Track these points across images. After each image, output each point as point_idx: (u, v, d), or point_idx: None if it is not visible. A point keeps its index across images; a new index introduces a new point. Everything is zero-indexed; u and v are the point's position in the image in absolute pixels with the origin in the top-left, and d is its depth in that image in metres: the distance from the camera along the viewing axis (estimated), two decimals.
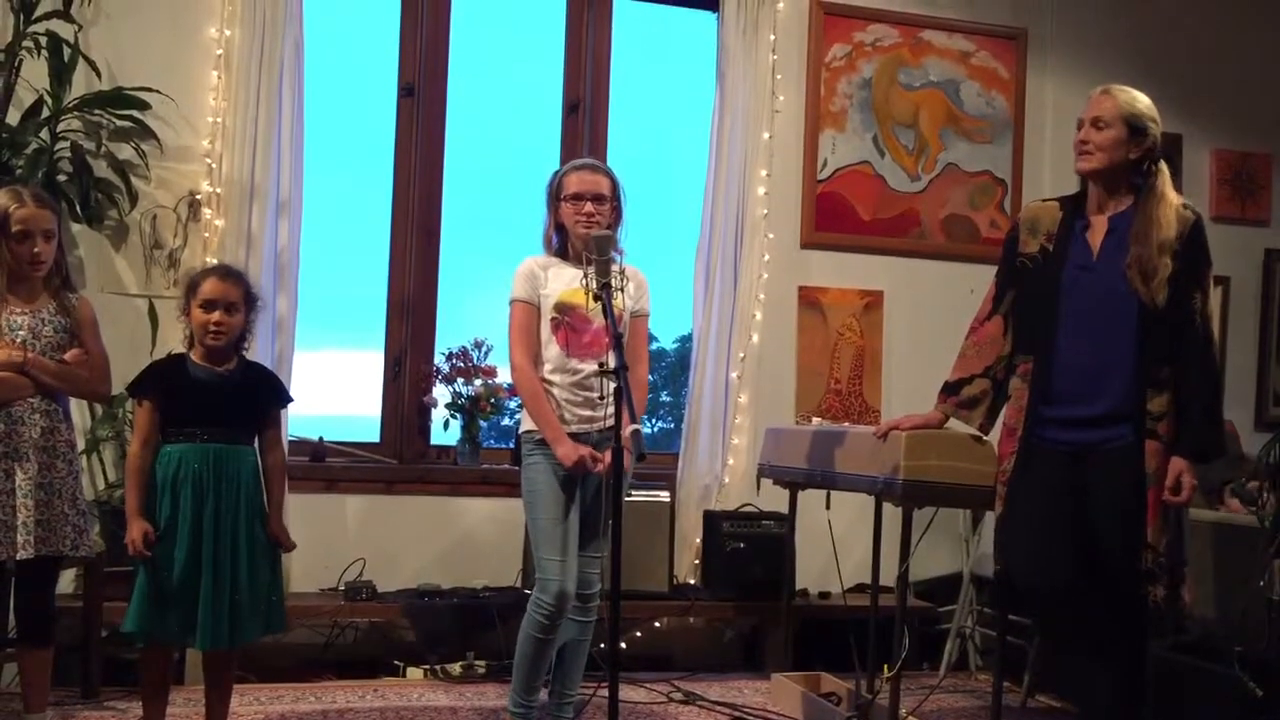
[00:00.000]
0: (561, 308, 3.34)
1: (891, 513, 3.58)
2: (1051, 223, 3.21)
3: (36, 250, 3.15)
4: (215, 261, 4.11)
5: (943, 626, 4.68)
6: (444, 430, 4.77)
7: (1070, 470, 3.08)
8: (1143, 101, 3.12)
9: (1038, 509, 3.11)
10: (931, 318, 4.99)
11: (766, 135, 4.91)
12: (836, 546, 4.02)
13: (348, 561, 4.45)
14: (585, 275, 3.18)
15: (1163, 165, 3.11)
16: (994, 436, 3.34)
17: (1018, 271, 3.27)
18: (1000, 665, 3.59)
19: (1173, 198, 3.07)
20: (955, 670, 4.61)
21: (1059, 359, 3.11)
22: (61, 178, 4.11)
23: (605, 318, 3.08)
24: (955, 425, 3.40)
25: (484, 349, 4.75)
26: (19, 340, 3.10)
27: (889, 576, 3.66)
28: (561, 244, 3.42)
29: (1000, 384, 3.30)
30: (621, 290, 3.26)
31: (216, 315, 3.14)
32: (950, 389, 3.36)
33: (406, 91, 4.84)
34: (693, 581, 4.70)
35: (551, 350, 3.35)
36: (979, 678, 4.58)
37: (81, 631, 3.78)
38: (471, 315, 4.91)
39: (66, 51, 4.11)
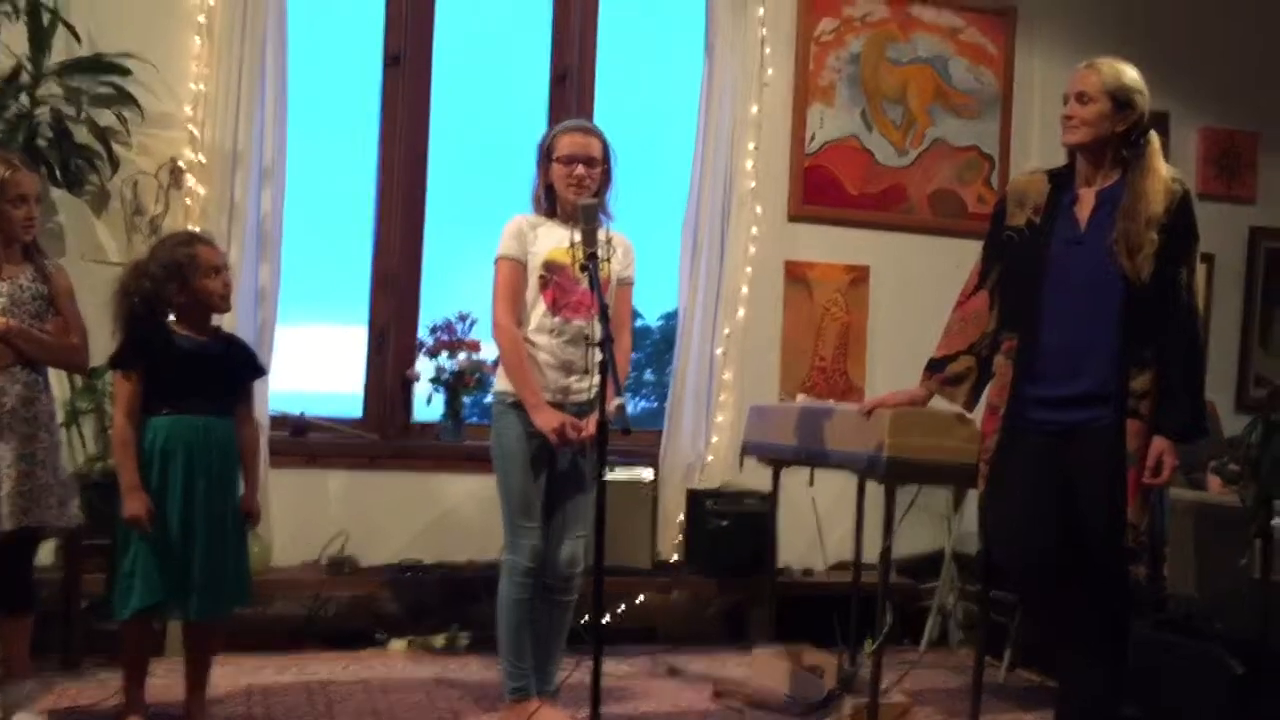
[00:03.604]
0: (550, 266, 3.31)
1: (874, 490, 3.57)
2: (1039, 196, 3.19)
3: (32, 214, 3.11)
4: (196, 229, 4.06)
5: (924, 603, 4.69)
6: (427, 405, 4.74)
7: (1053, 449, 3.07)
8: (1128, 74, 3.09)
9: (1021, 488, 3.11)
10: (918, 293, 4.98)
11: (755, 108, 4.87)
12: (820, 524, 4.02)
13: (329, 536, 4.43)
14: (573, 244, 3.16)
15: (1153, 137, 3.08)
16: (978, 414, 3.34)
17: (1004, 245, 3.25)
18: (982, 641, 3.61)
19: (1163, 171, 3.05)
20: (936, 646, 4.63)
21: (1043, 337, 3.09)
22: (42, 143, 4.05)
23: (591, 288, 3.06)
24: (940, 403, 3.39)
25: (468, 322, 4.72)
26: None
27: (872, 553, 3.66)
28: (551, 204, 3.39)
29: (985, 361, 3.28)
30: (607, 260, 3.25)
31: (225, 277, 3.18)
32: (935, 366, 3.35)
33: (392, 60, 4.78)
34: (676, 559, 4.70)
35: (538, 309, 3.32)
36: (960, 653, 4.60)
37: (62, 603, 3.76)
38: (457, 288, 4.88)
39: (46, 16, 4.05)
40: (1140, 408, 2.99)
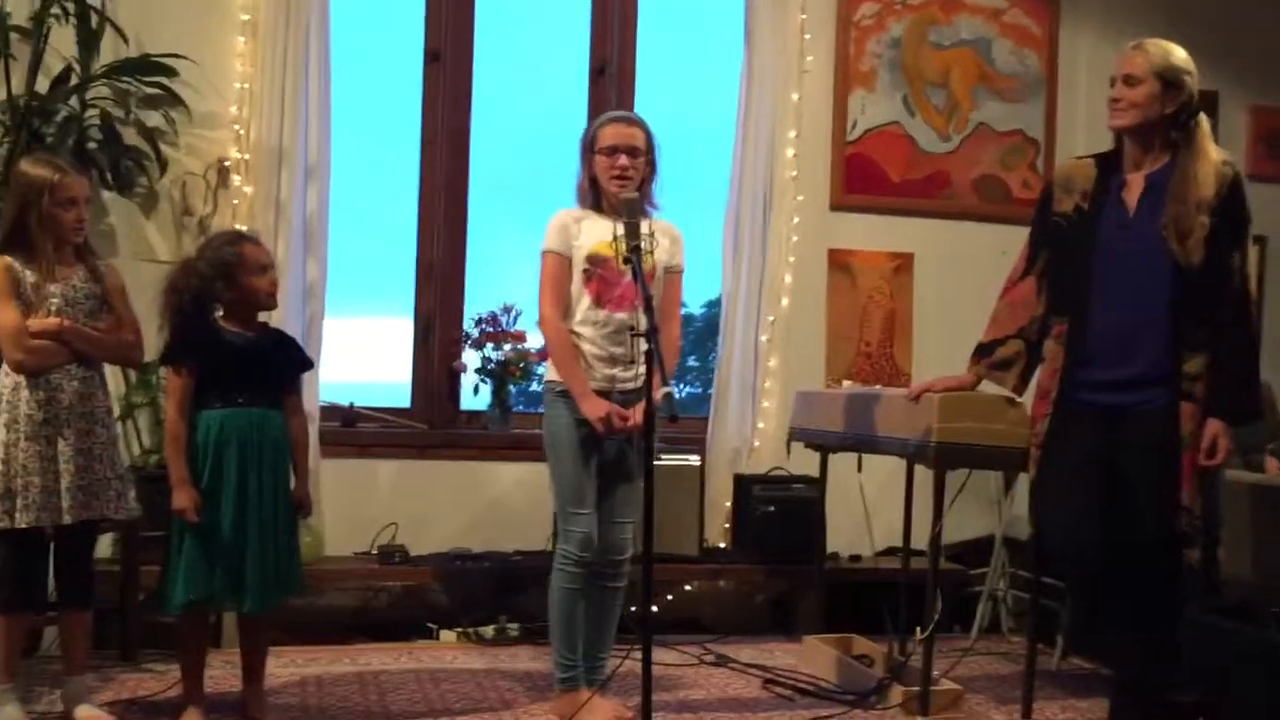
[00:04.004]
0: (594, 259, 3.32)
1: (923, 476, 3.57)
2: (1086, 181, 3.16)
3: (82, 216, 3.17)
4: (243, 228, 4.12)
5: (974, 589, 4.66)
6: (474, 395, 4.79)
7: (1105, 433, 3.05)
8: (1177, 55, 3.05)
9: (1072, 472, 3.09)
10: (962, 280, 4.94)
11: (795, 96, 4.86)
12: (868, 510, 4.01)
13: (380, 526, 4.48)
14: (615, 237, 3.17)
15: (1202, 119, 3.04)
16: (1028, 399, 3.31)
17: (1051, 231, 3.23)
18: (1034, 628, 3.58)
19: (1212, 153, 3.01)
20: (987, 633, 4.60)
21: (1094, 320, 3.07)
22: (91, 145, 4.12)
23: (635, 280, 3.07)
24: (988, 387, 3.37)
25: (513, 314, 4.74)
26: (53, 308, 3.12)
27: (921, 539, 3.65)
28: (595, 197, 3.40)
29: (1034, 346, 3.27)
30: (651, 253, 3.25)
31: (271, 275, 3.23)
32: (983, 351, 3.34)
33: (433, 56, 4.82)
34: (723, 545, 4.71)
35: (583, 302, 3.33)
36: (1011, 640, 4.57)
37: (119, 596, 3.83)
38: (500, 280, 4.91)
39: (94, 18, 4.11)
40: (1194, 390, 2.96)
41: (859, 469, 3.89)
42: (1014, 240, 3.57)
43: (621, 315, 3.29)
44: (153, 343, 3.29)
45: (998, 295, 3.37)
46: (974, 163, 5.19)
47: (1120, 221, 3.07)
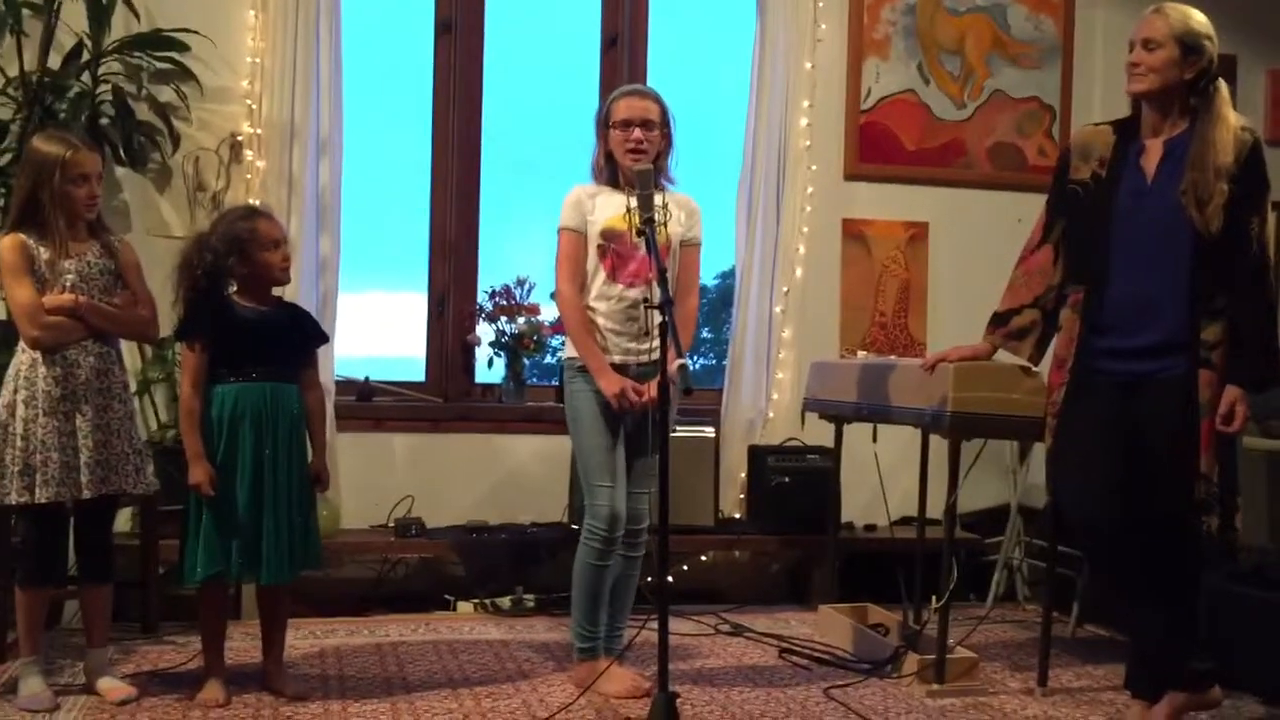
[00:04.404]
0: (608, 234, 3.32)
1: (938, 445, 3.57)
2: (1104, 148, 3.14)
3: (93, 193, 3.17)
4: (256, 203, 4.13)
5: (989, 558, 4.67)
6: (488, 368, 4.80)
7: (1122, 401, 3.04)
8: (1196, 19, 3.01)
9: (1089, 440, 3.08)
10: (978, 249, 4.92)
11: (809, 65, 4.82)
12: (883, 480, 4.01)
13: (396, 499, 4.51)
14: (629, 210, 3.16)
15: (1221, 85, 3.01)
16: (1044, 368, 3.30)
17: (1068, 199, 3.20)
18: (1049, 596, 3.59)
19: (1231, 119, 2.98)
20: (1003, 602, 4.61)
21: (1111, 288, 3.05)
22: (104, 121, 4.12)
23: (648, 253, 3.07)
24: (1004, 356, 3.36)
25: (526, 286, 4.74)
26: (68, 285, 3.13)
27: (936, 509, 3.65)
28: (611, 172, 3.39)
29: (1050, 314, 3.26)
30: (664, 225, 3.24)
31: (284, 251, 3.23)
32: (999, 320, 3.33)
33: (444, 27, 4.79)
34: (738, 516, 4.72)
35: (599, 277, 3.33)
36: (1026, 608, 4.58)
37: (139, 569, 3.86)
38: (514, 252, 4.91)
39: None
40: (1212, 357, 2.95)
41: (874, 439, 3.88)
42: (1030, 208, 3.56)
43: (637, 289, 3.29)
44: (167, 318, 3.30)
45: (1014, 264, 3.36)
46: (989, 130, 5.15)
47: (1138, 188, 3.05)
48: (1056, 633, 3.79)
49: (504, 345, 4.71)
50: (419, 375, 4.83)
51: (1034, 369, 3.35)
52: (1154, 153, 3.06)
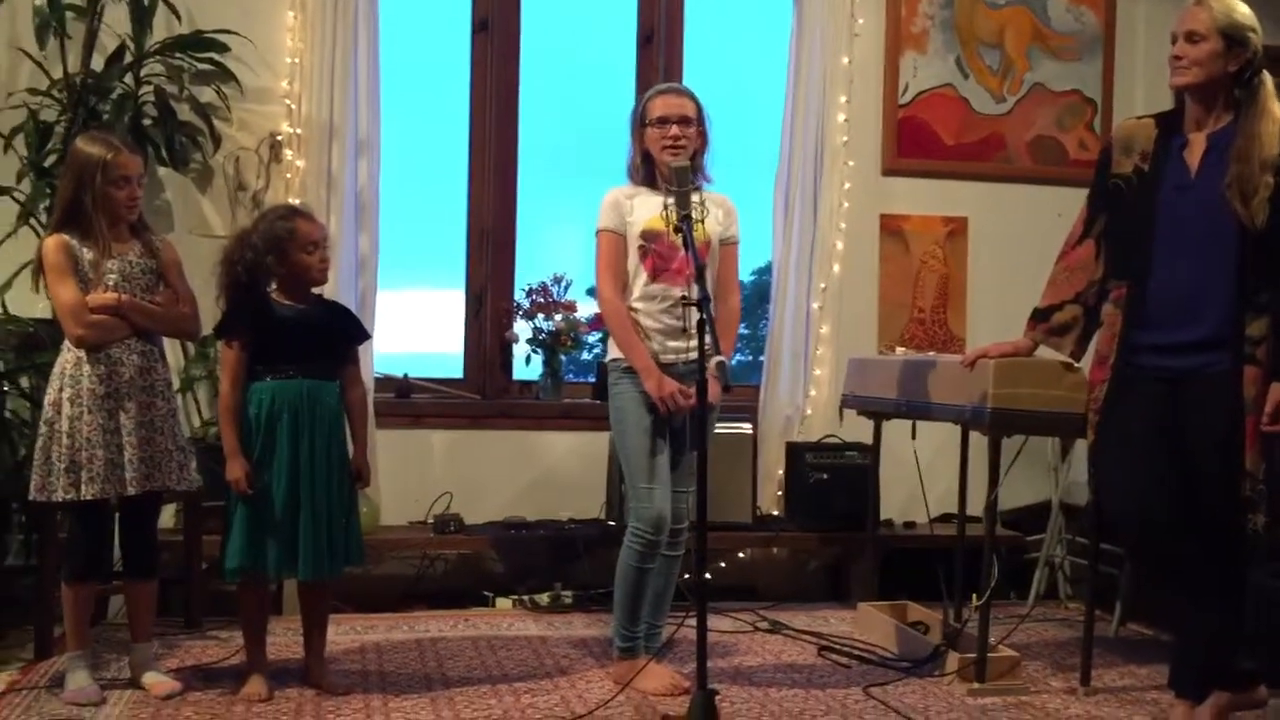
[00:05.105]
0: (648, 235, 3.32)
1: (978, 442, 3.54)
2: (1146, 141, 3.10)
3: (134, 194, 3.21)
4: (298, 202, 4.16)
5: (1030, 556, 4.63)
6: (525, 365, 4.81)
7: (1165, 397, 2.99)
8: (1240, 10, 2.96)
9: (1131, 437, 3.04)
10: (1018, 244, 4.88)
11: (845, 59, 4.80)
12: (922, 477, 3.98)
13: (435, 495, 4.53)
14: (665, 207, 3.16)
15: (1266, 77, 2.96)
16: (1085, 364, 3.27)
17: (1110, 193, 3.17)
18: (1092, 594, 3.55)
19: (1276, 112, 2.92)
20: (1044, 600, 4.57)
21: (1154, 283, 3.01)
22: (146, 122, 4.17)
23: (686, 250, 3.06)
24: (1045, 353, 3.33)
25: (564, 284, 4.75)
26: (111, 284, 3.17)
27: (976, 506, 3.62)
28: (648, 172, 3.39)
29: (1092, 310, 3.22)
30: (702, 222, 3.24)
31: (321, 253, 3.24)
32: (1040, 316, 3.29)
33: (480, 26, 4.81)
34: (775, 513, 4.71)
35: (640, 278, 3.33)
36: (1069, 607, 4.54)
37: (182, 565, 3.90)
38: (550, 250, 4.92)
39: None
40: (1257, 353, 2.90)
41: (913, 436, 3.86)
42: (1071, 203, 3.52)
43: (679, 288, 3.28)
44: (209, 316, 3.34)
45: (1055, 259, 3.32)
46: (1029, 124, 5.10)
47: (1181, 183, 3.01)
48: (1099, 632, 3.74)
49: (541, 342, 4.73)
50: (457, 372, 4.86)
51: (1076, 365, 3.31)
52: (1197, 146, 3.01)
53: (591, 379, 4.88)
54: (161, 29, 4.25)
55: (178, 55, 4.26)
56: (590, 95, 5.06)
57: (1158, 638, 3.98)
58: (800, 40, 4.78)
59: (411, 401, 4.69)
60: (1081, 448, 3.36)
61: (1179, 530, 2.99)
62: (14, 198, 3.98)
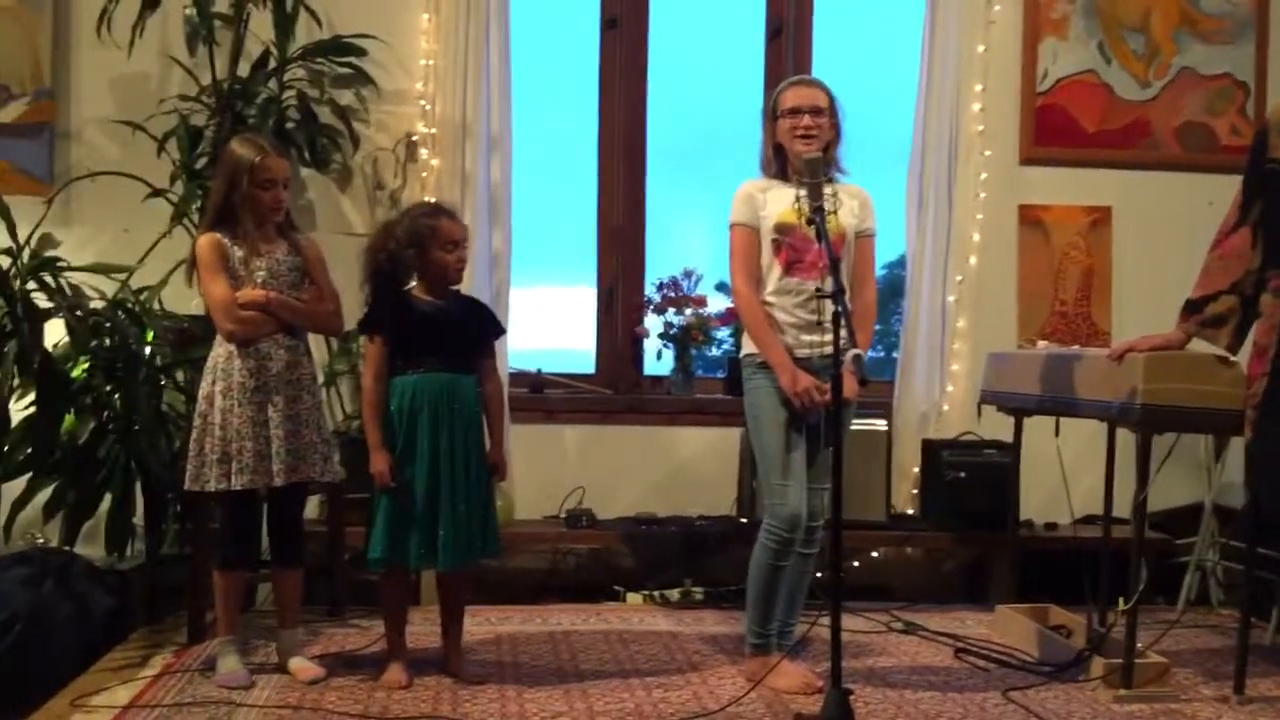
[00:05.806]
0: (781, 228, 3.28)
1: (1125, 440, 3.41)
2: None
3: (279, 197, 3.31)
4: (432, 199, 4.24)
5: (1180, 560, 4.45)
6: (657, 360, 4.82)
7: None
8: None
9: None
10: (1165, 233, 4.72)
11: (981, 47, 4.69)
12: (1065, 476, 3.86)
13: (568, 490, 4.57)
14: (798, 199, 3.12)
15: None
16: (1242, 358, 3.12)
17: (1267, 178, 3.04)
18: (1247, 601, 3.39)
19: None
20: (1194, 605, 4.38)
21: None
22: (290, 125, 4.30)
23: (820, 242, 3.03)
24: (1198, 346, 3.20)
25: (694, 278, 4.75)
26: (259, 281, 3.28)
27: (1123, 507, 3.49)
28: (780, 165, 3.36)
29: (1249, 300, 3.09)
30: (835, 213, 3.20)
31: (460, 253, 3.30)
32: (1193, 307, 3.17)
33: (610, 24, 4.84)
34: (910, 512, 4.62)
35: (774, 272, 3.30)
36: (1221, 613, 4.35)
37: (326, 555, 4.01)
38: (680, 244, 4.92)
39: (289, 3, 4.27)
40: None
41: (1056, 433, 3.74)
42: (1221, 190, 3.38)
43: (814, 282, 3.24)
44: (352, 312, 3.43)
45: (1207, 248, 3.19)
46: (1177, 110, 4.91)
47: None
48: (1254, 640, 3.58)
49: (672, 337, 4.73)
50: (589, 368, 4.90)
51: (1232, 358, 3.17)
52: None
53: (722, 374, 4.86)
54: (303, 35, 4.38)
55: (318, 60, 4.40)
56: (719, 91, 5.05)
57: None
58: (933, 29, 4.68)
59: (544, 397, 4.74)
60: (1238, 446, 3.21)
61: None
62: (168, 199, 4.15)
